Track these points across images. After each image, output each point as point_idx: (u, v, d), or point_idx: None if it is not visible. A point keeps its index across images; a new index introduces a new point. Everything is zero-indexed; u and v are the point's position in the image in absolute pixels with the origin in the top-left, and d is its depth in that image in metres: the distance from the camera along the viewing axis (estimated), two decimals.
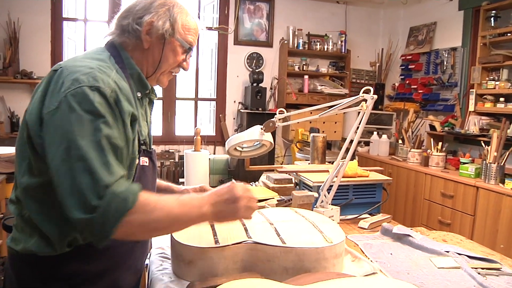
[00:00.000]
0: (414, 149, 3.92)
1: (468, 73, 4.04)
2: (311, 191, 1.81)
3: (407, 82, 4.80)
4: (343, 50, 4.96)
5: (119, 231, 0.87)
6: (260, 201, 1.81)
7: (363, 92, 1.51)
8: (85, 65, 0.96)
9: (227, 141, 1.68)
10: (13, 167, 3.15)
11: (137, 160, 1.07)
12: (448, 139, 4.11)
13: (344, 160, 1.63)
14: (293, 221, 1.33)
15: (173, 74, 1.20)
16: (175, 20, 1.10)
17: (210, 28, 4.67)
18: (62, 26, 4.18)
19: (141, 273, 1.24)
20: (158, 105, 4.56)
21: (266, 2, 4.83)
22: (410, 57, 4.77)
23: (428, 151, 3.83)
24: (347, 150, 1.62)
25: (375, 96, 1.51)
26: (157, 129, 4.60)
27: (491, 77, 3.68)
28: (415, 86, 4.63)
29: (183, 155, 2.02)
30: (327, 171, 2.03)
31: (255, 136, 1.63)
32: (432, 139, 3.90)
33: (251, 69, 4.78)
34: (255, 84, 4.59)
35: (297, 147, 4.11)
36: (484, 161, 3.17)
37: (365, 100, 1.51)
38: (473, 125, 3.75)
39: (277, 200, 1.83)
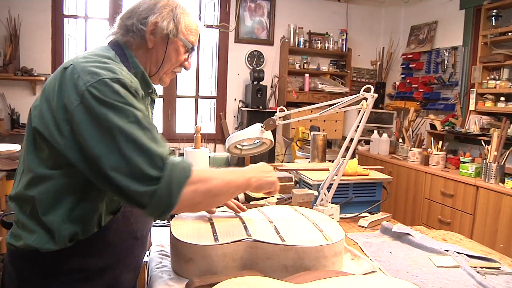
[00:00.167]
0: (414, 148, 3.92)
1: (469, 72, 4.03)
2: (311, 189, 1.81)
3: (408, 81, 4.80)
4: (344, 49, 4.95)
5: (183, 200, 0.92)
6: (260, 199, 1.81)
7: (363, 91, 1.51)
8: (98, 60, 0.98)
9: (228, 139, 1.68)
10: (13, 164, 3.16)
11: None
12: (449, 138, 4.11)
13: (344, 158, 1.63)
14: (293, 219, 1.33)
15: (175, 73, 1.22)
16: (178, 20, 1.13)
17: (211, 26, 4.67)
18: (62, 23, 4.18)
19: (140, 270, 1.24)
20: (158, 102, 4.56)
21: (267, 0, 4.83)
22: (411, 56, 4.77)
23: (429, 150, 3.83)
24: (347, 148, 1.62)
25: (376, 95, 1.50)
26: (157, 127, 4.59)
27: (492, 77, 3.68)
28: (416, 85, 4.63)
29: (183, 153, 2.03)
30: (327, 169, 2.03)
31: (256, 134, 1.63)
32: (432, 138, 3.90)
33: (251, 67, 4.78)
34: (255, 82, 4.59)
35: (297, 145, 4.10)
36: (484, 161, 3.17)
37: (366, 99, 1.51)
38: (473, 124, 3.75)
39: (277, 198, 1.83)
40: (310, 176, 1.88)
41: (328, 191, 1.67)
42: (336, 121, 4.80)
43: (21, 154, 1.05)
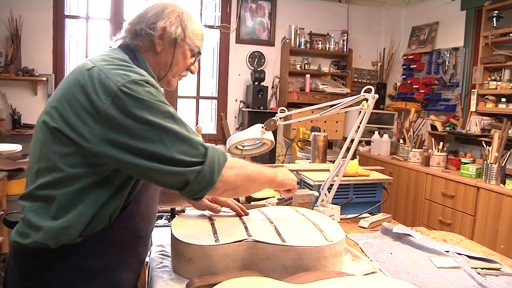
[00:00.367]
0: (415, 149, 3.92)
1: (470, 73, 4.03)
2: (312, 190, 1.81)
3: (409, 81, 4.80)
4: (345, 49, 4.96)
5: (227, 182, 1.04)
6: (260, 199, 1.81)
7: (364, 92, 1.51)
8: (120, 63, 1.03)
9: (228, 139, 1.68)
10: (15, 164, 3.17)
11: None
12: (449, 139, 4.11)
13: (345, 159, 1.63)
14: (293, 219, 1.33)
15: (181, 77, 1.27)
16: (185, 26, 1.18)
17: (212, 27, 4.67)
18: (64, 23, 4.18)
19: (141, 270, 1.25)
20: None
21: (268, 0, 4.83)
22: (412, 56, 4.77)
23: (429, 151, 3.83)
24: (348, 149, 1.62)
25: (376, 96, 1.51)
26: None
27: (493, 78, 3.68)
28: (417, 86, 4.63)
29: None
30: (328, 170, 2.03)
31: (256, 134, 1.63)
32: (433, 139, 3.90)
33: (252, 68, 4.78)
34: (256, 83, 4.59)
35: (298, 146, 4.10)
36: (485, 162, 3.17)
37: (366, 100, 1.51)
38: (474, 125, 3.75)
39: (278, 199, 1.84)
40: (311, 176, 1.88)
41: (329, 192, 1.68)
42: (337, 122, 4.80)
43: (33, 153, 1.05)
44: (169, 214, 1.70)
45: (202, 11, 4.71)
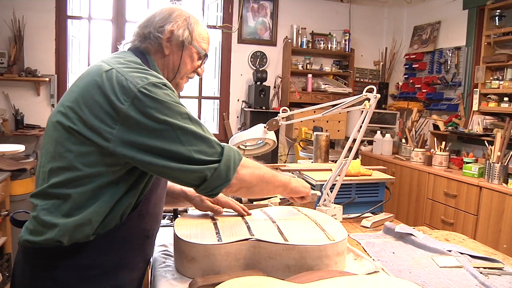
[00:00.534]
0: (417, 149, 3.92)
1: (472, 72, 4.02)
2: (314, 189, 1.81)
3: (411, 81, 4.79)
4: (347, 49, 4.95)
5: (242, 180, 1.08)
6: (262, 199, 1.81)
7: (366, 91, 1.51)
8: (136, 66, 1.06)
9: (231, 139, 1.69)
10: (18, 164, 3.18)
11: None
12: (452, 139, 4.10)
13: (347, 159, 1.63)
14: (296, 219, 1.34)
15: (188, 79, 1.29)
16: (192, 29, 1.21)
17: (214, 27, 4.68)
18: (66, 24, 4.19)
19: (146, 269, 1.26)
20: None
21: (270, 0, 4.83)
22: (414, 56, 4.76)
23: (432, 150, 3.83)
24: (350, 149, 1.62)
25: (378, 95, 1.51)
26: None
27: (495, 77, 3.67)
28: (419, 85, 4.62)
29: None
30: (330, 169, 2.03)
31: (259, 134, 1.64)
32: (435, 139, 3.89)
33: (254, 68, 4.79)
34: (258, 83, 4.59)
35: (300, 145, 4.11)
36: (487, 161, 3.17)
37: (369, 99, 1.51)
38: (476, 124, 3.74)
39: (280, 199, 1.84)
40: (313, 176, 1.88)
41: (331, 192, 1.68)
42: (339, 122, 4.80)
43: (45, 153, 1.06)
44: (172, 214, 1.70)
45: (204, 11, 4.72)
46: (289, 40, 4.81)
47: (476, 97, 3.79)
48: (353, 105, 1.54)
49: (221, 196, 1.39)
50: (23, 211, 1.21)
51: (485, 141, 3.41)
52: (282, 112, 1.65)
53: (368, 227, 1.70)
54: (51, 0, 4.07)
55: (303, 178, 1.96)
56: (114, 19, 4.30)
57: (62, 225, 0.99)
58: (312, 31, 4.94)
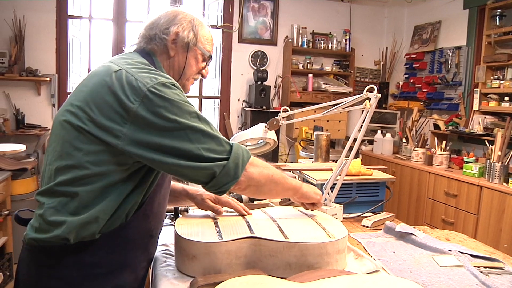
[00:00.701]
0: (418, 148, 3.92)
1: (473, 72, 4.02)
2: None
3: (411, 81, 4.79)
4: (348, 49, 4.95)
5: (251, 178, 1.09)
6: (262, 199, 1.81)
7: (367, 91, 1.51)
8: (144, 67, 1.07)
9: (231, 139, 1.69)
10: (19, 164, 3.18)
11: None
12: (452, 138, 4.10)
13: (347, 158, 1.64)
14: (296, 218, 1.34)
15: (193, 80, 1.32)
16: (197, 31, 1.24)
17: (214, 26, 4.68)
18: (67, 24, 4.19)
19: (149, 267, 1.27)
20: None
21: (271, 0, 4.83)
22: (414, 55, 4.76)
23: (432, 150, 3.83)
24: (351, 148, 1.62)
25: (379, 95, 1.51)
26: None
27: (496, 76, 3.67)
28: (420, 85, 4.62)
29: None
30: (331, 169, 2.03)
31: (259, 134, 1.64)
32: (436, 138, 3.89)
33: (255, 67, 4.79)
34: (259, 82, 4.59)
35: (301, 145, 4.11)
36: (488, 160, 3.17)
37: (369, 99, 1.51)
38: (477, 124, 3.74)
39: (281, 199, 1.84)
40: (314, 176, 1.88)
41: (332, 191, 1.68)
42: (339, 121, 4.80)
43: (52, 151, 1.07)
44: (173, 213, 1.70)
45: (204, 11, 4.72)
46: (290, 40, 4.81)
47: (476, 97, 3.78)
48: (353, 105, 1.55)
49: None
50: (28, 209, 1.22)
51: (486, 141, 3.41)
52: (283, 111, 1.65)
53: (368, 227, 1.70)
54: (51, 0, 4.08)
55: (303, 178, 1.97)
56: (114, 19, 4.30)
57: (69, 223, 1.00)
58: (313, 30, 4.95)
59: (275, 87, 4.92)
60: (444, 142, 3.74)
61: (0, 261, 2.82)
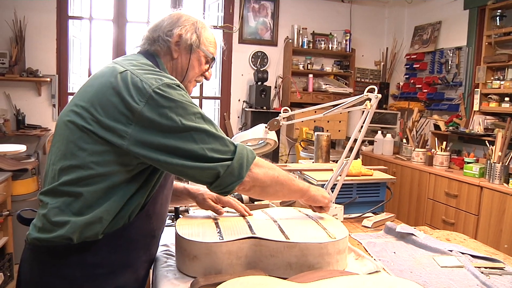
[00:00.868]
0: (418, 149, 3.92)
1: (473, 72, 4.02)
2: None
3: (412, 81, 4.79)
4: (348, 49, 4.95)
5: (255, 178, 1.08)
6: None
7: (367, 91, 1.51)
8: (149, 68, 1.08)
9: (232, 139, 1.69)
10: (19, 164, 3.18)
11: None
12: (453, 139, 4.10)
13: (348, 159, 1.64)
14: (297, 218, 1.34)
15: (196, 82, 1.31)
16: (200, 33, 1.25)
17: (214, 27, 4.67)
18: (67, 24, 4.19)
19: (150, 268, 1.27)
20: None
21: (271, 0, 4.83)
22: (414, 56, 4.76)
23: (433, 150, 3.83)
24: (351, 149, 1.62)
25: (379, 95, 1.51)
26: None
27: (496, 77, 3.67)
28: (420, 86, 4.62)
29: None
30: (331, 169, 2.03)
31: (260, 134, 1.64)
32: (436, 139, 3.89)
33: (255, 68, 4.79)
34: (259, 83, 4.59)
35: (301, 145, 4.11)
36: (488, 161, 3.17)
37: (369, 99, 1.51)
38: (477, 124, 3.74)
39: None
40: (314, 176, 1.88)
41: (332, 192, 1.68)
42: (340, 122, 4.80)
43: (56, 151, 1.07)
44: (173, 214, 1.70)
45: (205, 12, 4.72)
46: (290, 40, 4.81)
47: (477, 97, 3.78)
48: (354, 105, 1.55)
49: None
50: (30, 209, 1.22)
51: (486, 141, 3.41)
52: (283, 112, 1.65)
53: (369, 227, 1.70)
54: (52, 0, 4.08)
55: (303, 178, 1.97)
56: (115, 19, 4.31)
57: (72, 223, 1.00)
58: (313, 31, 4.95)
59: (275, 87, 4.92)
60: (444, 143, 3.74)
61: (0, 262, 2.82)
